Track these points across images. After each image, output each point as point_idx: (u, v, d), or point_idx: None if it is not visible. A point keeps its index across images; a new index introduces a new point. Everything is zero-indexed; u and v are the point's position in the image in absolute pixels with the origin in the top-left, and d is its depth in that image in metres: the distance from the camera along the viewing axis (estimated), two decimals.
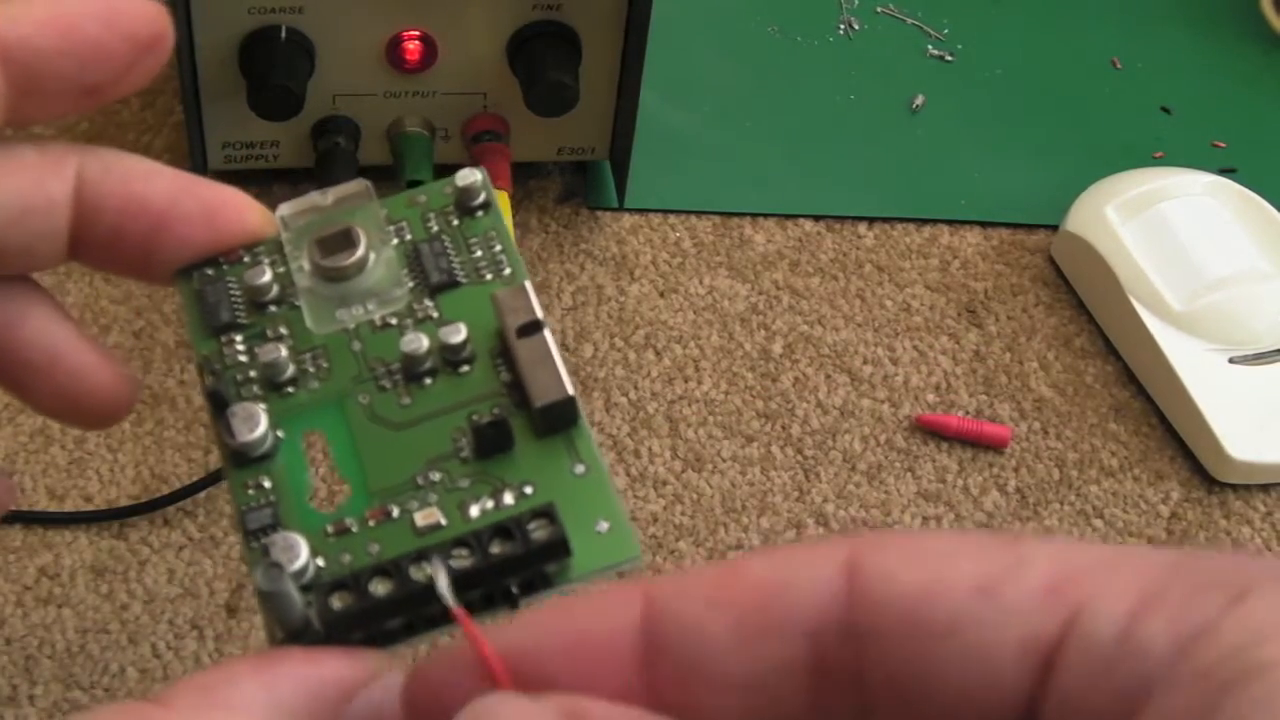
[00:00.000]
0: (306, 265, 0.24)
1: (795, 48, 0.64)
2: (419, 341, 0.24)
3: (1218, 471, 0.51)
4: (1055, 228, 0.57)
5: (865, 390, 0.52)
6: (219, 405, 0.24)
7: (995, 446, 0.51)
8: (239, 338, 0.25)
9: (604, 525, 0.23)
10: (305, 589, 0.22)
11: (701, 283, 0.55)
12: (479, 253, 0.25)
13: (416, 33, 0.51)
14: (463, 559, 0.22)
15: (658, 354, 0.53)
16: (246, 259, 0.25)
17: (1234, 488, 0.51)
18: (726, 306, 0.54)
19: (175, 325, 0.51)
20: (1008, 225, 0.58)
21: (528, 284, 0.24)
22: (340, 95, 0.52)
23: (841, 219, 0.58)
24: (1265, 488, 0.51)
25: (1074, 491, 0.50)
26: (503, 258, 0.25)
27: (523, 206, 0.56)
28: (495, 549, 0.22)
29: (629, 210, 0.57)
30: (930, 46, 0.65)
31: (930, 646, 0.18)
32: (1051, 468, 0.51)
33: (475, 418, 0.23)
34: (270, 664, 0.21)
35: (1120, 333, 0.54)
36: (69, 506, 0.47)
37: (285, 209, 0.25)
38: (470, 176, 0.26)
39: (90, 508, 0.47)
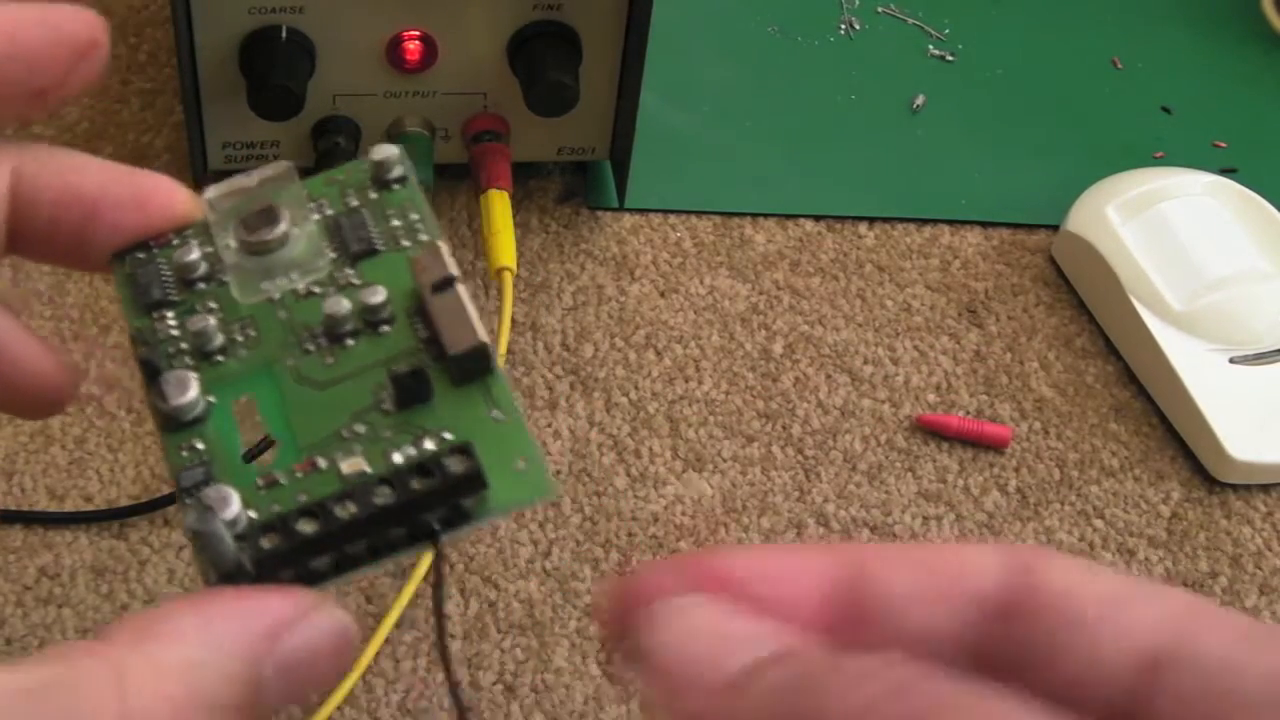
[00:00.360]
0: (233, 243, 0.26)
1: (795, 48, 0.64)
2: (339, 304, 0.25)
3: (1218, 471, 0.51)
4: (1056, 228, 0.57)
5: (866, 390, 0.52)
6: (151, 373, 0.25)
7: (996, 446, 0.51)
8: (170, 314, 0.26)
9: (520, 464, 0.24)
10: (239, 539, 0.23)
11: (702, 283, 0.55)
12: (396, 222, 0.27)
13: (416, 33, 0.51)
14: (385, 496, 0.23)
15: (658, 354, 0.53)
16: (176, 241, 0.27)
17: (1234, 488, 0.51)
18: (727, 306, 0.54)
19: None
20: (1008, 225, 0.58)
21: (442, 244, 0.26)
22: (340, 95, 0.52)
23: (842, 219, 0.58)
24: (1265, 488, 0.51)
25: (1074, 491, 0.50)
26: (419, 225, 0.27)
27: (523, 206, 0.56)
28: (415, 485, 0.23)
29: (629, 210, 0.57)
30: (931, 46, 0.65)
31: (1072, 631, 0.21)
32: (1052, 468, 0.51)
33: (394, 369, 0.25)
34: (205, 600, 0.22)
35: (1121, 333, 0.54)
36: (69, 506, 0.47)
37: (211, 192, 0.26)
38: (385, 151, 0.27)
39: (90, 508, 0.47)
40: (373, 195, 0.27)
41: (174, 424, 0.25)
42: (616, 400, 0.51)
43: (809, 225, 0.57)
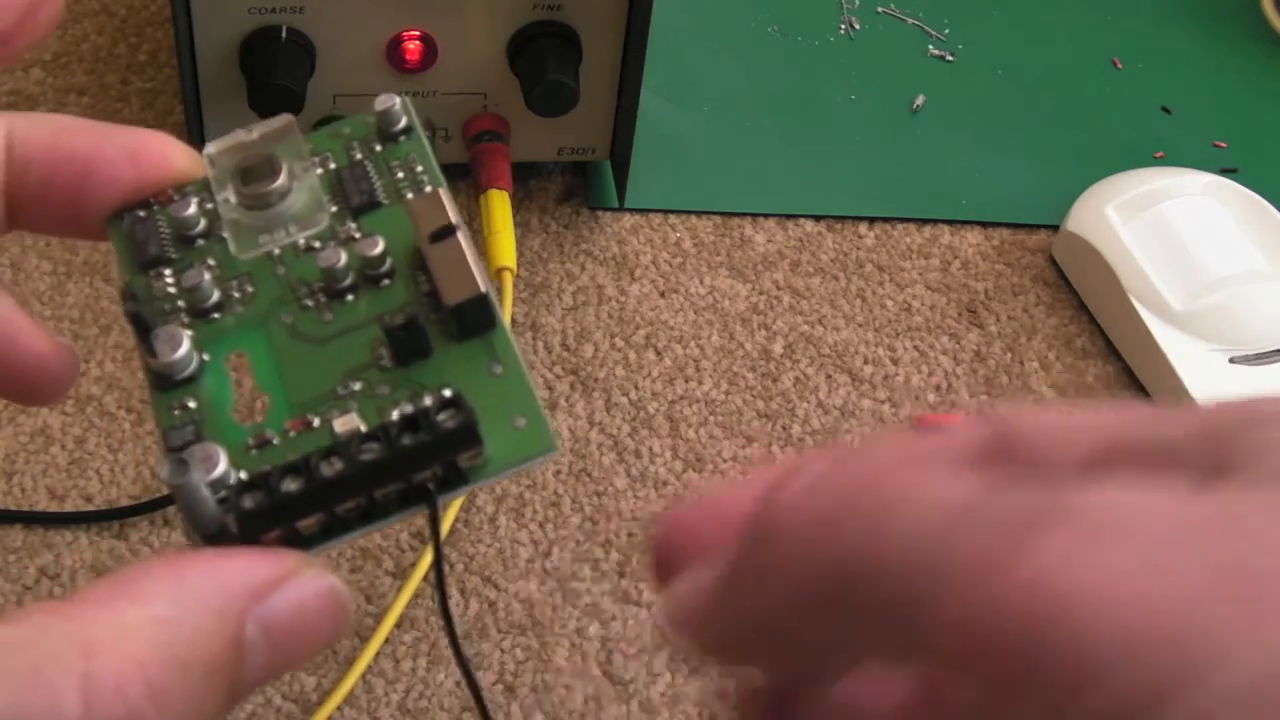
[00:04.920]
0: (231, 197, 0.25)
1: (795, 48, 0.64)
2: (336, 255, 0.24)
3: None
4: (1056, 228, 0.57)
5: (866, 390, 0.52)
6: (142, 329, 0.24)
7: None
8: (167, 271, 0.25)
9: (521, 421, 0.23)
10: (222, 501, 0.22)
11: (702, 283, 0.55)
12: (401, 174, 0.26)
13: (416, 33, 0.51)
14: (372, 452, 0.22)
15: (658, 354, 0.53)
16: (176, 198, 0.26)
17: None
18: (727, 306, 0.54)
19: None
20: (1008, 225, 0.58)
21: (443, 191, 0.25)
22: (340, 95, 0.52)
23: (842, 219, 0.58)
24: None
25: None
26: (424, 177, 0.26)
27: (523, 206, 0.56)
28: (405, 440, 0.22)
29: (629, 210, 0.57)
30: (930, 46, 0.65)
31: None
32: None
33: (386, 320, 0.24)
34: (180, 559, 0.21)
35: (1121, 333, 0.54)
36: (69, 506, 0.47)
37: (211, 147, 0.26)
38: (388, 101, 0.26)
39: (90, 508, 0.47)
40: (377, 148, 0.26)
41: (166, 382, 0.24)
42: (616, 400, 0.51)
43: (809, 225, 0.57)
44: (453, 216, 0.24)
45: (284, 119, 0.25)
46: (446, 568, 0.47)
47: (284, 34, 0.50)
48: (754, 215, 0.57)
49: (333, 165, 0.26)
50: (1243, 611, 0.15)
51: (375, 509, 0.23)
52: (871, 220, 0.58)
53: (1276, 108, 0.64)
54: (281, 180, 0.25)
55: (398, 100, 0.26)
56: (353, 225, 0.25)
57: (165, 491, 0.46)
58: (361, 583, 0.46)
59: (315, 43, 0.50)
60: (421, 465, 0.22)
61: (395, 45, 0.51)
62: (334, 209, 0.25)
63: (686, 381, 0.52)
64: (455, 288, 0.24)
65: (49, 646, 0.20)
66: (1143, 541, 0.16)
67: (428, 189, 0.25)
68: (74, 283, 0.52)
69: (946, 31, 0.66)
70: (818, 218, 0.58)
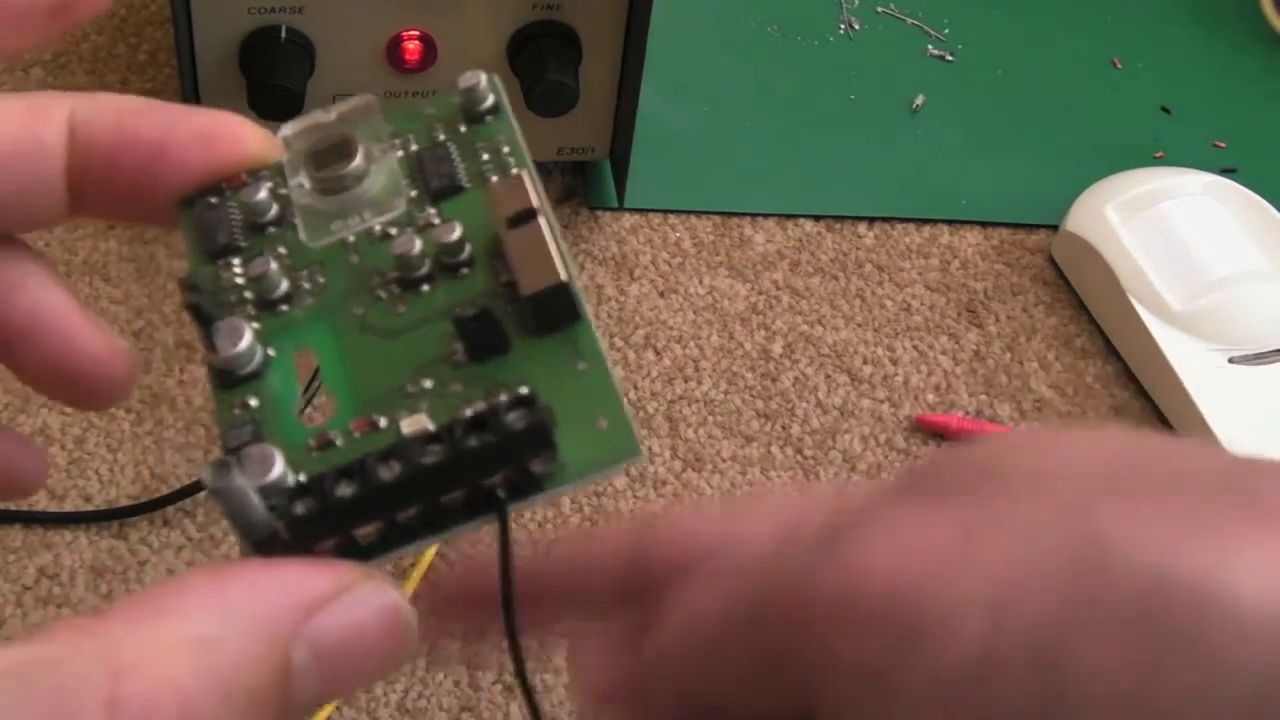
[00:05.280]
0: (305, 182, 0.24)
1: (795, 48, 0.64)
2: (411, 241, 0.23)
3: None
4: (1055, 228, 0.57)
5: (865, 390, 0.52)
6: (204, 321, 0.23)
7: None
8: (236, 261, 0.24)
9: (603, 423, 0.21)
10: (273, 508, 0.20)
11: (701, 283, 0.55)
12: (486, 157, 0.24)
13: (416, 33, 0.51)
14: (434, 455, 0.20)
15: (658, 354, 0.53)
16: (249, 182, 0.24)
17: None
18: (726, 306, 0.54)
19: (175, 325, 0.51)
20: (1008, 225, 0.58)
21: (525, 173, 0.23)
22: (340, 95, 0.52)
23: (841, 219, 0.58)
24: None
25: None
26: (510, 160, 0.24)
27: None
28: (470, 441, 0.20)
29: (629, 210, 0.57)
30: (930, 46, 0.65)
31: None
32: None
33: (458, 312, 0.22)
34: (225, 571, 0.19)
35: (1120, 333, 0.54)
36: (69, 506, 0.47)
37: (287, 129, 0.24)
38: (473, 79, 0.24)
39: (90, 508, 0.47)
40: (462, 129, 0.24)
41: (228, 378, 0.22)
42: None
43: (809, 225, 0.57)
44: (535, 201, 0.22)
45: (365, 98, 0.24)
46: (446, 567, 0.47)
47: (284, 34, 0.50)
48: (754, 215, 0.57)
49: (414, 147, 0.24)
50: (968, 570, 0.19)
51: (440, 516, 0.21)
52: (871, 220, 0.58)
53: (1276, 108, 0.64)
54: (358, 162, 0.23)
55: (484, 77, 0.24)
56: (431, 211, 0.23)
57: (164, 492, 0.46)
58: None
59: (315, 43, 0.50)
60: (488, 469, 0.20)
61: (395, 45, 0.51)
62: (413, 194, 0.24)
63: (686, 381, 0.52)
64: (534, 276, 0.21)
65: (76, 667, 0.18)
66: (903, 532, 0.20)
67: (514, 171, 0.23)
68: (74, 282, 0.52)
69: (946, 31, 0.66)
70: (817, 218, 0.58)
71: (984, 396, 0.53)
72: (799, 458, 0.50)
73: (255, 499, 0.20)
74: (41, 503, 0.47)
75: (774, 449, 0.50)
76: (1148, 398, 0.53)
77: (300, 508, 0.20)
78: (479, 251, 0.23)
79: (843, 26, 0.65)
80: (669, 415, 0.51)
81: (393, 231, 0.23)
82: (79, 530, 0.46)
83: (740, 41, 0.64)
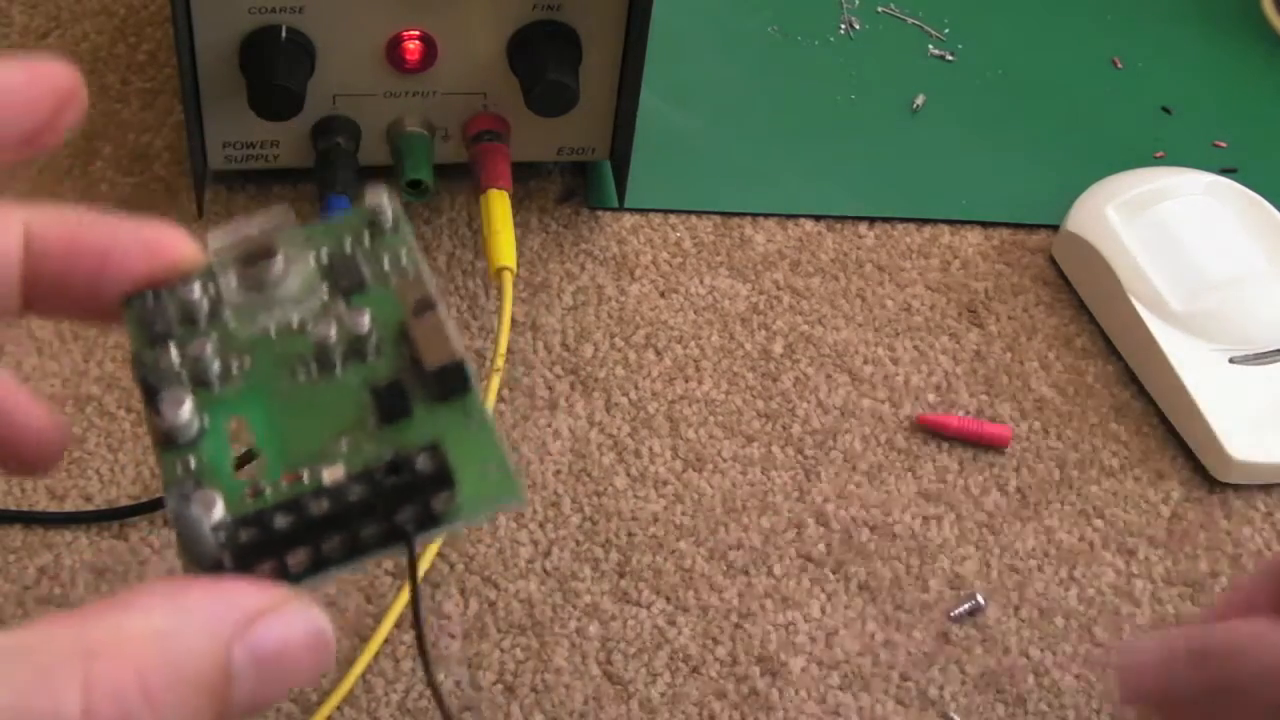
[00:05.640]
0: (234, 281, 0.28)
1: (795, 48, 0.64)
2: (328, 328, 0.27)
3: (1218, 471, 0.51)
4: (1056, 228, 0.57)
5: (866, 390, 0.52)
6: (150, 392, 0.27)
7: (996, 446, 0.51)
8: (173, 345, 0.27)
9: (491, 471, 0.25)
10: (220, 543, 0.24)
11: (702, 283, 0.55)
12: (387, 260, 0.28)
13: (416, 33, 0.51)
14: (357, 493, 0.25)
15: (658, 354, 0.53)
16: (183, 282, 0.28)
17: (1234, 487, 0.51)
18: (727, 306, 0.54)
19: None
20: (1008, 225, 0.58)
21: (424, 271, 0.28)
22: (340, 95, 0.52)
23: (842, 219, 0.58)
24: (1265, 488, 0.51)
25: (1075, 491, 0.50)
26: (407, 264, 0.28)
27: (523, 206, 0.56)
28: (385, 481, 0.25)
29: (629, 210, 0.57)
30: (931, 46, 0.65)
31: None
32: (1052, 468, 0.51)
33: (373, 382, 0.26)
34: (179, 580, 0.23)
35: (1120, 333, 0.54)
36: (69, 506, 0.47)
37: (214, 239, 0.28)
38: (376, 199, 0.29)
39: (90, 508, 0.47)
40: (366, 239, 0.29)
41: (170, 442, 0.26)
42: (616, 400, 0.51)
43: (809, 225, 0.57)
44: (433, 293, 0.27)
45: (281, 209, 0.28)
46: (446, 568, 0.47)
47: (284, 34, 0.50)
48: (754, 215, 0.57)
49: (325, 252, 0.29)
50: None
51: (358, 546, 0.25)
52: (871, 220, 0.58)
53: (1276, 108, 0.64)
54: (279, 265, 0.27)
55: (385, 198, 0.29)
56: (343, 306, 0.28)
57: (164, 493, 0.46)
58: (361, 583, 0.46)
59: (315, 42, 0.50)
60: (400, 505, 0.25)
61: (395, 45, 0.51)
62: (325, 292, 0.28)
63: (686, 381, 0.52)
64: (436, 354, 0.26)
65: (53, 650, 0.21)
66: None
67: (411, 274, 0.28)
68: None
69: (946, 31, 0.66)
70: (818, 217, 0.58)
71: (984, 396, 0.53)
72: (799, 458, 0.50)
73: (208, 529, 0.24)
74: (42, 503, 0.47)
75: (774, 449, 0.50)
76: (1148, 398, 0.53)
77: (244, 535, 0.24)
78: (384, 336, 0.27)
79: (843, 27, 0.65)
80: (669, 415, 0.51)
81: (309, 323, 0.28)
82: (79, 530, 0.46)
83: (740, 42, 0.64)
